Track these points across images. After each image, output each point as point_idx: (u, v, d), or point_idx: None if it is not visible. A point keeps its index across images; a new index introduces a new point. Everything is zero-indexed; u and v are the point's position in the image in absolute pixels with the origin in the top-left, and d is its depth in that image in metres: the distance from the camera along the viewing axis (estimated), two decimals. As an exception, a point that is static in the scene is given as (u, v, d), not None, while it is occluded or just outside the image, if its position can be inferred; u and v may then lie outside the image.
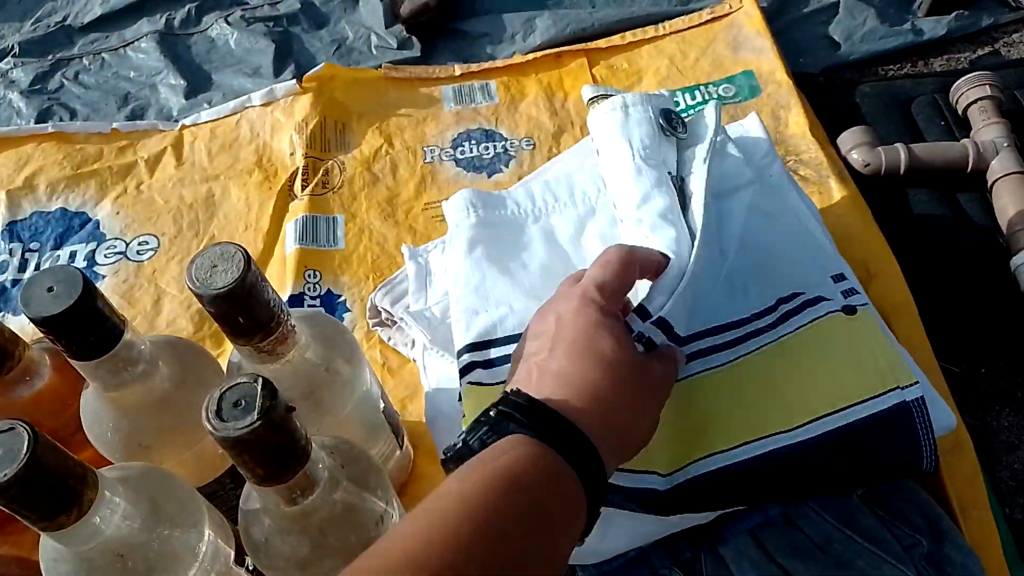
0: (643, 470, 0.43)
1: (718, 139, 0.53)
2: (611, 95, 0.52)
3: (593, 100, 0.53)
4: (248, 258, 0.35)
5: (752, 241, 0.52)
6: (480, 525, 0.29)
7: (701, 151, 0.50)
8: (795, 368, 0.46)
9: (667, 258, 0.44)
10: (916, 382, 0.46)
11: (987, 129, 0.69)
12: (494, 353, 0.49)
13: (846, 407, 0.44)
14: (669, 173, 0.49)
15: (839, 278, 0.50)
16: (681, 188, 0.49)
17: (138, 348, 0.39)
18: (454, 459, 0.35)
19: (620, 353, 0.38)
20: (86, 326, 0.36)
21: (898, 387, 0.45)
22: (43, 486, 0.32)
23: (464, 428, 0.36)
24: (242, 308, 0.36)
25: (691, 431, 0.45)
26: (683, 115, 0.54)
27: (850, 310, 0.48)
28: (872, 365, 0.46)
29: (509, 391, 0.37)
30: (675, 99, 0.61)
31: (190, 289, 0.35)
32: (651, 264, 0.43)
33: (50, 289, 0.35)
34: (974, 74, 0.71)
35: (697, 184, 0.48)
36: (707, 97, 0.77)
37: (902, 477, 0.47)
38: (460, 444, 0.35)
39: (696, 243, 0.44)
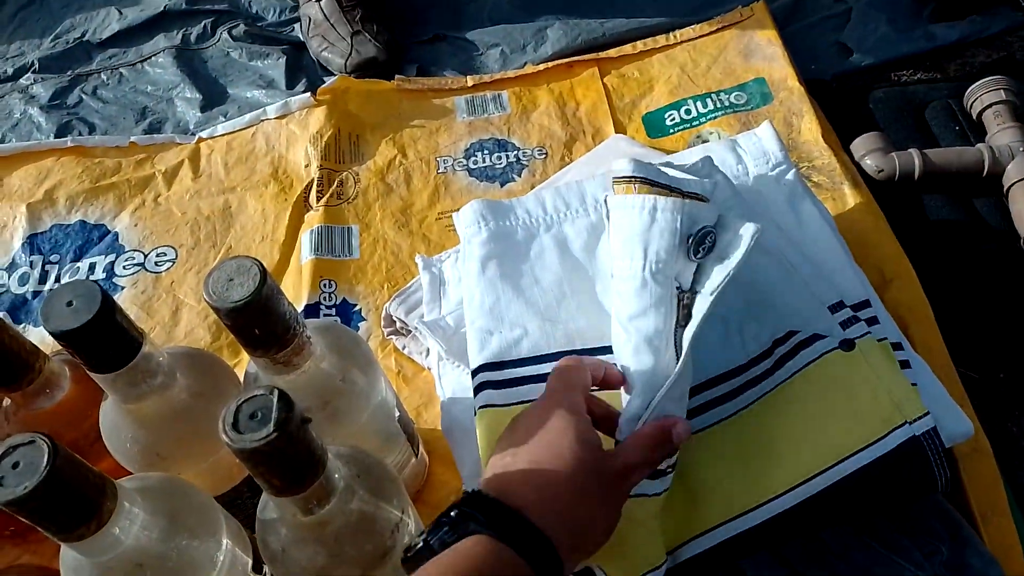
0: (648, 570, 0.42)
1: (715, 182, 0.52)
2: (641, 180, 0.46)
3: (620, 181, 0.47)
4: (264, 271, 0.36)
5: (744, 279, 0.49)
6: None
7: (723, 269, 0.44)
8: (794, 421, 0.46)
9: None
10: (926, 413, 0.45)
11: (1002, 133, 0.68)
12: (508, 374, 0.49)
13: (848, 456, 0.44)
14: (679, 287, 0.45)
15: (837, 307, 0.49)
16: (689, 303, 0.45)
17: (156, 360, 0.40)
18: (413, 559, 0.36)
19: (580, 454, 0.39)
20: (105, 339, 0.36)
21: (905, 422, 0.45)
22: (63, 498, 0.32)
23: (425, 529, 0.37)
24: (258, 320, 0.36)
25: (689, 503, 0.45)
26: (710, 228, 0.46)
27: (848, 345, 0.47)
28: (873, 407, 0.46)
29: (470, 491, 0.38)
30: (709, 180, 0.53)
31: (207, 302, 0.35)
32: (616, 382, 0.45)
33: (69, 303, 0.36)
34: (988, 79, 0.71)
35: (701, 306, 0.44)
36: (718, 105, 0.77)
37: (916, 498, 0.47)
38: (420, 544, 0.36)
39: (676, 371, 0.42)
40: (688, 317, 0.44)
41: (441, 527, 0.36)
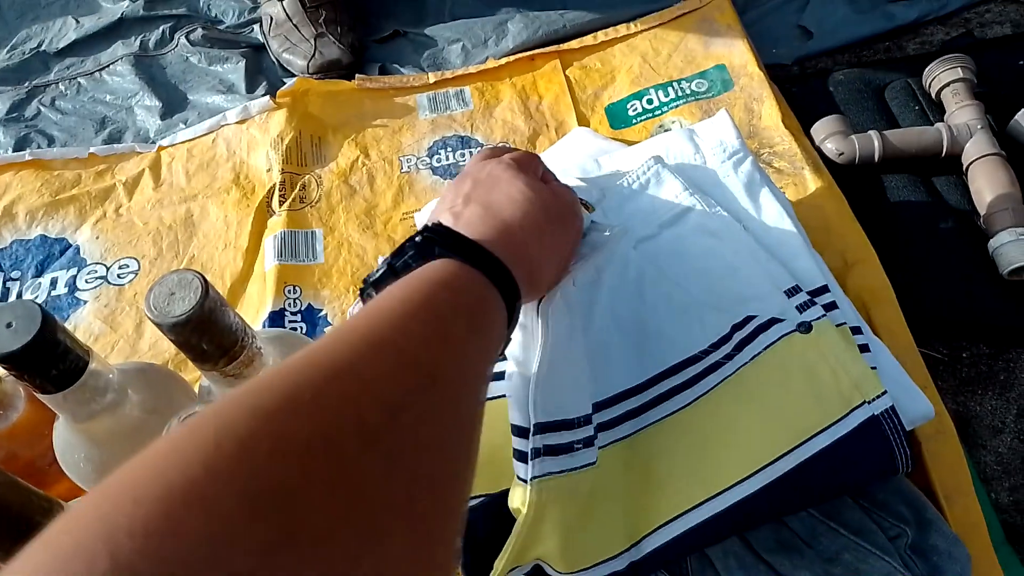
0: (600, 560, 0.43)
1: (648, 171, 0.54)
2: None
3: None
4: (206, 284, 0.35)
5: (701, 266, 0.51)
6: (427, 319, 0.30)
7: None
8: (754, 405, 0.46)
9: None
10: (883, 392, 0.46)
11: (960, 112, 0.68)
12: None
13: (809, 438, 0.44)
14: None
15: (793, 291, 0.50)
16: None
17: (105, 378, 0.39)
18: (377, 283, 0.36)
19: (529, 194, 0.42)
20: (48, 360, 0.36)
21: (864, 402, 0.45)
22: (6, 523, 0.32)
23: (386, 257, 0.37)
24: (203, 334, 0.36)
25: (650, 493, 0.45)
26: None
27: (805, 327, 0.48)
28: (833, 387, 0.46)
29: (429, 224, 0.38)
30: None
31: (149, 318, 0.35)
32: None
33: (9, 325, 0.35)
34: (945, 57, 0.71)
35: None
36: (679, 94, 0.77)
37: (876, 481, 0.47)
38: (385, 268, 0.36)
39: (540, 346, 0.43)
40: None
41: (404, 252, 0.36)
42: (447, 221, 0.40)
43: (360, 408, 0.24)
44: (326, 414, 0.23)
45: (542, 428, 0.41)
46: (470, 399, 0.30)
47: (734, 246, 0.51)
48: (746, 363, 0.47)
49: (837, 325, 0.49)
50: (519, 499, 0.41)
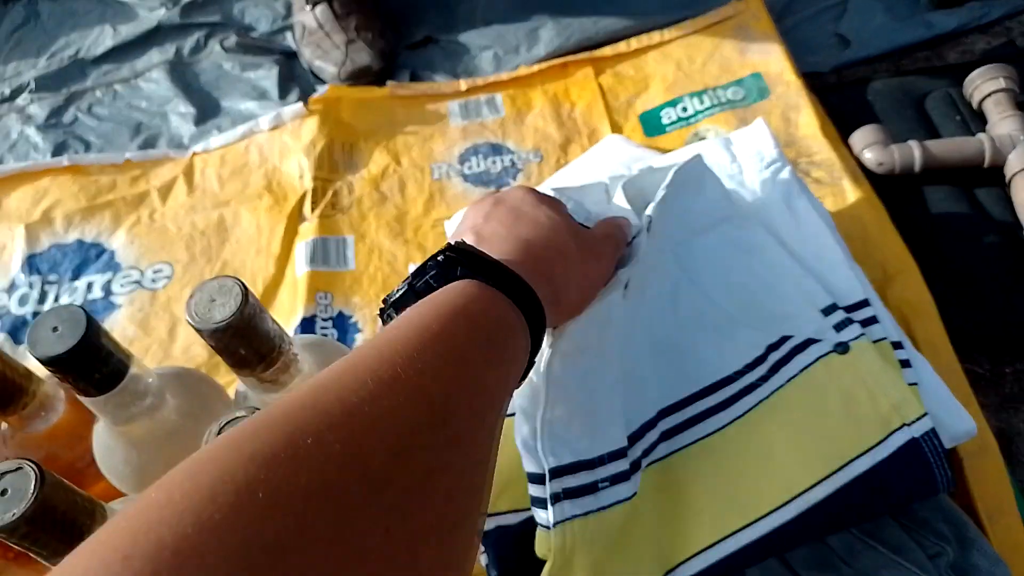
0: None
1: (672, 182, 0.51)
2: None
3: None
4: (246, 291, 0.35)
5: (734, 281, 0.50)
6: (442, 351, 0.28)
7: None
8: (791, 429, 0.45)
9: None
10: (924, 414, 0.45)
11: (1003, 122, 0.67)
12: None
13: (847, 462, 0.43)
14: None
15: (830, 310, 0.48)
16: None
17: (144, 382, 0.39)
18: (397, 304, 0.35)
19: (556, 218, 0.40)
20: (91, 364, 0.36)
21: (904, 424, 0.44)
22: (52, 524, 0.32)
23: (407, 277, 0.36)
24: (242, 340, 0.36)
25: (687, 519, 0.43)
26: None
27: (843, 348, 0.47)
28: (871, 411, 0.45)
29: (451, 243, 0.36)
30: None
31: (190, 324, 0.35)
32: None
33: (55, 329, 0.36)
34: (988, 67, 0.69)
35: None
36: (715, 101, 0.76)
37: (917, 501, 0.46)
38: (405, 288, 0.35)
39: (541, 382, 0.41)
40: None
41: (427, 272, 0.35)
42: (469, 240, 0.39)
43: (365, 453, 0.22)
44: (328, 460, 0.21)
45: (558, 472, 0.40)
46: (484, 436, 0.28)
47: (769, 261, 0.50)
48: (782, 385, 0.46)
49: (878, 340, 0.48)
50: (543, 546, 0.40)
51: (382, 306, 0.36)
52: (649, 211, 0.47)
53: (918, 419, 0.44)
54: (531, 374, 0.40)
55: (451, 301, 0.32)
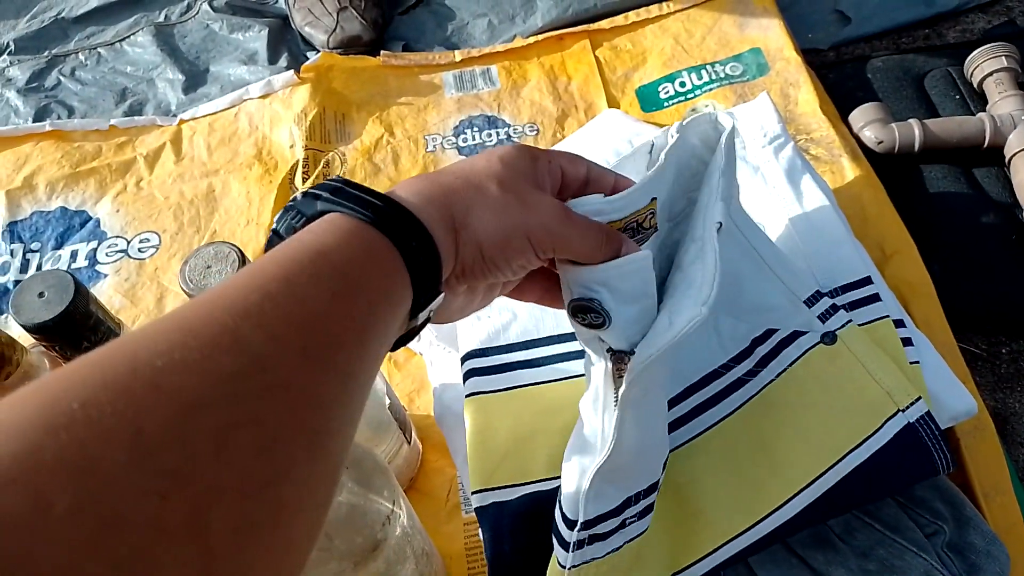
0: None
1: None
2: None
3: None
4: (243, 257, 0.34)
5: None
6: (274, 292, 0.24)
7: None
8: (785, 425, 0.44)
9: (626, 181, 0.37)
10: (918, 398, 0.44)
11: (1004, 102, 0.67)
12: (494, 360, 0.48)
13: (845, 454, 0.43)
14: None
15: (814, 299, 0.46)
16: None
17: (135, 351, 0.38)
18: (265, 249, 0.30)
19: (499, 164, 0.33)
20: (79, 331, 0.35)
21: (899, 410, 0.44)
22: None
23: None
24: (238, 309, 0.35)
25: (687, 524, 0.42)
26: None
27: (830, 338, 0.46)
28: (863, 399, 0.44)
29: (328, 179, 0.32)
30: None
31: (184, 291, 0.34)
32: (605, 183, 0.37)
33: (41, 294, 0.34)
34: (989, 45, 0.69)
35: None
36: (713, 77, 0.75)
37: (917, 483, 0.46)
38: (271, 235, 0.31)
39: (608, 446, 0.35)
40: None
41: (288, 212, 0.30)
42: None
43: (140, 414, 0.19)
44: (91, 425, 0.18)
45: (588, 524, 0.37)
46: (325, 378, 0.24)
47: (748, 252, 0.46)
48: (771, 380, 0.46)
49: (880, 318, 0.48)
50: (554, 572, 0.39)
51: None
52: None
53: (912, 403, 0.44)
54: (591, 410, 0.36)
55: (300, 238, 0.28)
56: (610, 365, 0.35)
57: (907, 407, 0.44)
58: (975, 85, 0.70)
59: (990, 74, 0.68)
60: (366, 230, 0.28)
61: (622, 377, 0.34)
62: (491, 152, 0.34)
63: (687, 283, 0.36)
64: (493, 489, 0.45)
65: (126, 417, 0.19)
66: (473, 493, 0.45)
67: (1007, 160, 0.65)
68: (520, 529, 0.43)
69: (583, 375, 0.47)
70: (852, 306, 0.49)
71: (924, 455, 0.44)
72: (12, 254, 0.71)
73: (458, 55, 0.81)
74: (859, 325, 0.47)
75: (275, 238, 0.30)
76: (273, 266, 0.25)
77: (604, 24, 0.81)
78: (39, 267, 0.71)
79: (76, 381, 0.19)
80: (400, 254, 0.29)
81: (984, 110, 0.68)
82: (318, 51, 0.84)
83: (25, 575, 0.16)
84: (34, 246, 0.72)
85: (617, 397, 0.34)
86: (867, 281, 0.49)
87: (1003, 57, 0.68)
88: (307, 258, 0.26)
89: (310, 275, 0.26)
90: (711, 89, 0.74)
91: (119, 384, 0.20)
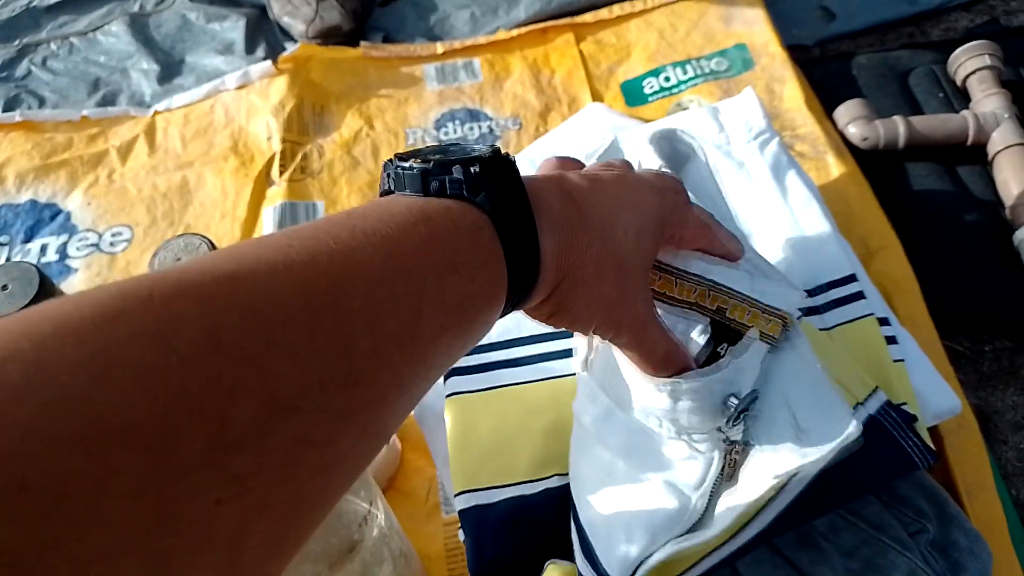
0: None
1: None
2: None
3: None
4: (214, 249, 0.33)
5: None
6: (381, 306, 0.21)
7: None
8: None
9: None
10: (875, 387, 0.43)
11: (987, 100, 0.67)
12: (474, 359, 0.47)
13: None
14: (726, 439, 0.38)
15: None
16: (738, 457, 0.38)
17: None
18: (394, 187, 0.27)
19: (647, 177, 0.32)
20: (42, 326, 0.33)
21: (857, 404, 0.43)
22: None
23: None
24: (209, 303, 0.33)
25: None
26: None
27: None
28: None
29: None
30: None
31: (152, 284, 0.32)
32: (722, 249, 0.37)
33: (4, 287, 0.33)
34: (972, 44, 0.69)
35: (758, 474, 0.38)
36: (698, 72, 0.74)
37: (900, 479, 0.45)
38: (416, 172, 0.26)
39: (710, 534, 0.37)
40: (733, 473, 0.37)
41: (444, 171, 0.25)
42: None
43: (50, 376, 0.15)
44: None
45: None
46: (345, 359, 0.20)
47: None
48: None
49: (864, 316, 0.47)
50: None
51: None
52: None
53: (870, 395, 0.43)
54: (678, 482, 0.37)
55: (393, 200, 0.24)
56: (723, 455, 0.37)
57: (865, 399, 0.43)
58: (958, 83, 0.70)
59: (973, 72, 0.68)
60: (472, 213, 0.25)
61: (733, 467, 0.37)
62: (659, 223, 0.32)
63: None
64: (476, 491, 0.44)
65: (219, 395, 0.16)
66: (456, 495, 0.44)
67: (990, 158, 0.65)
68: (502, 536, 0.42)
69: (564, 375, 0.46)
70: (836, 304, 0.48)
71: (894, 447, 0.43)
72: (-21, 247, 0.69)
73: (440, 47, 0.80)
74: (843, 323, 0.47)
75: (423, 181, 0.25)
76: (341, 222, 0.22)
77: (588, 17, 0.80)
78: (7, 261, 0.69)
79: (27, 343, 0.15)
80: (507, 290, 0.26)
81: (967, 108, 0.68)
82: (297, 42, 0.82)
83: (65, 554, 0.14)
84: (2, 239, 0.70)
85: (721, 482, 0.37)
86: (851, 279, 0.49)
87: (986, 56, 0.68)
88: (410, 221, 0.23)
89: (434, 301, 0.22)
90: (696, 84, 0.73)
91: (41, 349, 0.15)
